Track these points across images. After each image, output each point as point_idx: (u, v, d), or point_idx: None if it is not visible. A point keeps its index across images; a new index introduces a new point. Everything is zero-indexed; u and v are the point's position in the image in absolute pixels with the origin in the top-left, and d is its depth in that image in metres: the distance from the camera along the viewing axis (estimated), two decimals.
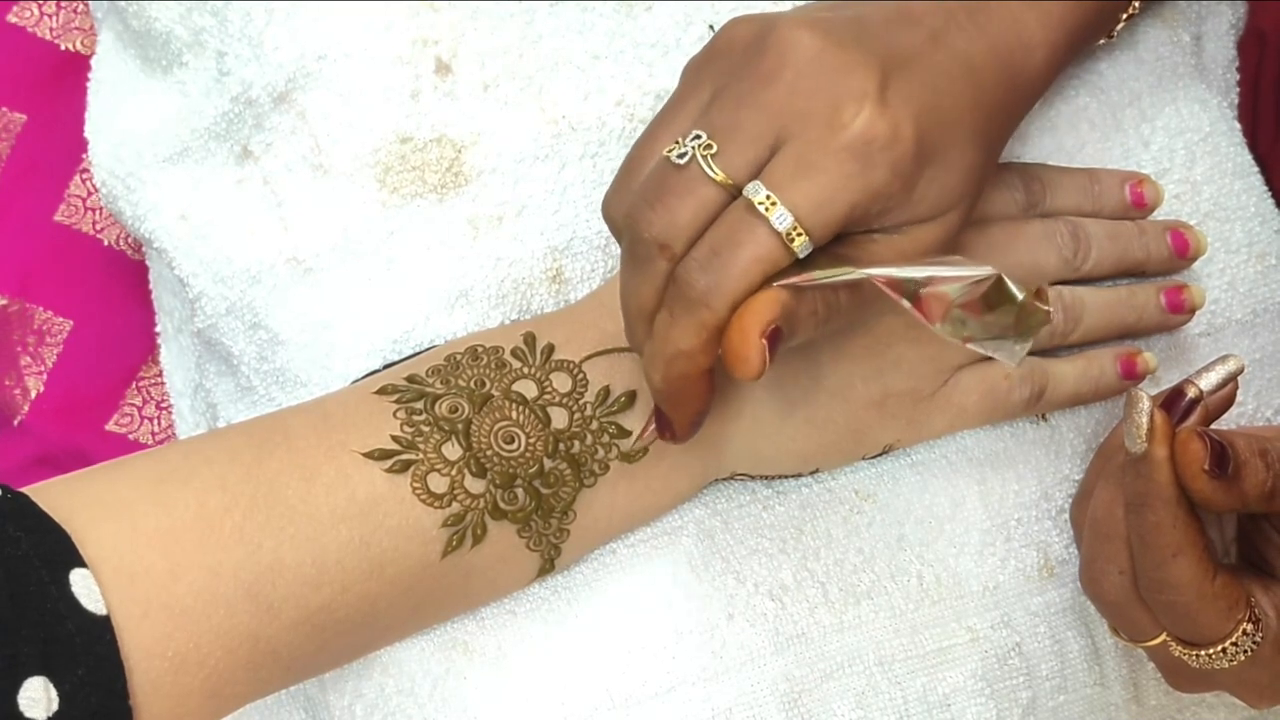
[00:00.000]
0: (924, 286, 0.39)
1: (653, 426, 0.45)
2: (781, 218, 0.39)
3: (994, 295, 0.39)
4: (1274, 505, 0.41)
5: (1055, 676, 0.49)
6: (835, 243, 0.41)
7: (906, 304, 0.39)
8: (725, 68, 0.42)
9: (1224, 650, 0.42)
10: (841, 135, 0.39)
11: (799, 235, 0.39)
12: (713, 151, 0.40)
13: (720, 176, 0.40)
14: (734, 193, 0.40)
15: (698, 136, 0.40)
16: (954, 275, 0.39)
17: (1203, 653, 0.42)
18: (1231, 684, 0.44)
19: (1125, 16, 0.50)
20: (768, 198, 0.39)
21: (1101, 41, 0.51)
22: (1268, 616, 0.42)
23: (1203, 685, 0.45)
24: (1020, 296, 0.39)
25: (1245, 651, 0.42)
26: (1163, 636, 0.44)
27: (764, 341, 0.39)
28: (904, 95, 0.40)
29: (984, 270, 0.39)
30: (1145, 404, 0.41)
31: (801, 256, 0.40)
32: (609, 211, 0.43)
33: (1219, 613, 0.42)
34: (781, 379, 0.47)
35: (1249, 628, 0.42)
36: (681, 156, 0.40)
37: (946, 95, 0.41)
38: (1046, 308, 0.39)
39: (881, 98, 0.40)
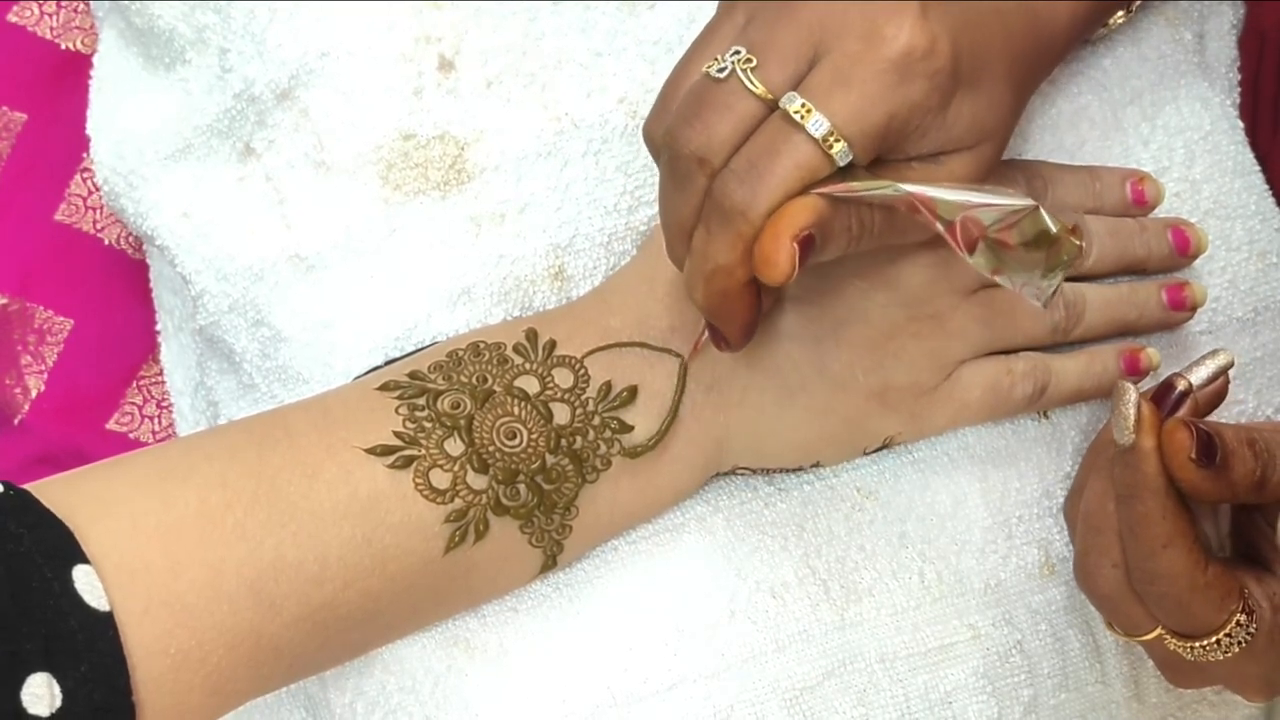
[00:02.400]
0: (959, 210, 0.39)
1: (705, 337, 0.45)
2: (818, 124, 0.39)
3: (1028, 227, 0.39)
4: (1264, 495, 0.41)
5: (1057, 674, 0.49)
6: (872, 167, 0.42)
7: (939, 227, 0.39)
8: None
9: (1218, 642, 0.42)
10: (881, 48, 0.40)
11: (836, 141, 0.40)
12: (752, 65, 0.40)
13: (759, 90, 0.40)
14: (772, 107, 0.40)
15: (737, 52, 0.41)
16: (991, 203, 0.39)
17: (1197, 644, 0.42)
18: (1228, 678, 0.44)
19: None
20: (803, 105, 0.40)
21: (1120, 16, 0.51)
22: (1261, 608, 0.42)
23: (1200, 680, 0.45)
24: (1054, 229, 0.39)
25: (1239, 643, 0.42)
26: (1158, 630, 0.44)
27: (795, 246, 0.39)
28: (939, 15, 0.41)
29: (1022, 201, 0.39)
30: (1132, 395, 0.41)
31: (841, 164, 0.40)
32: (649, 133, 0.43)
33: (1212, 604, 0.42)
34: (779, 366, 0.47)
35: (1242, 619, 0.42)
36: (721, 71, 0.41)
37: (978, 28, 0.42)
38: (1079, 242, 0.39)
39: (920, 13, 0.40)
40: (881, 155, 0.42)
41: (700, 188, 0.41)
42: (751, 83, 0.40)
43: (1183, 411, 0.42)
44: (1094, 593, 0.45)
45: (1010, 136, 0.45)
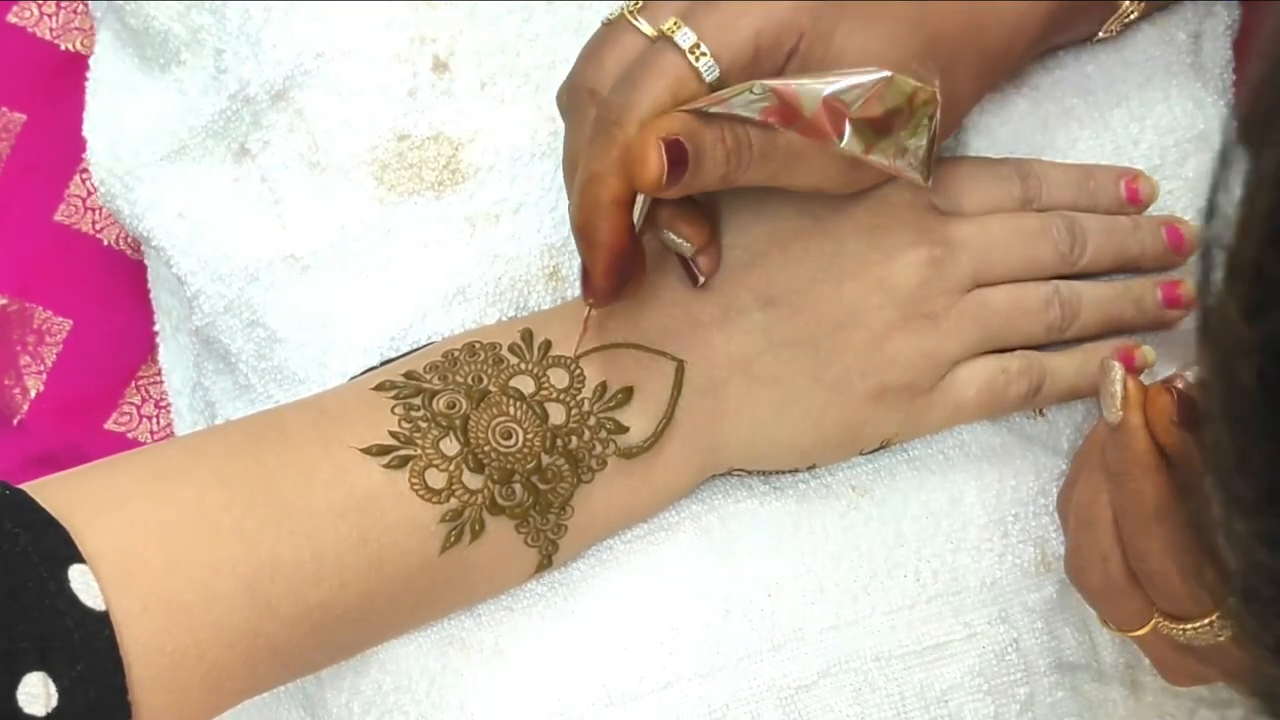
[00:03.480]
0: (819, 96, 0.41)
1: (591, 313, 0.46)
2: (685, 36, 0.42)
3: (890, 96, 0.41)
4: None
5: (1053, 672, 0.49)
6: None
7: (806, 112, 0.41)
8: None
9: (1210, 624, 0.42)
10: None
11: (703, 54, 0.42)
12: (638, 7, 0.44)
13: (645, 28, 0.43)
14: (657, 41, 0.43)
15: (626, 4, 0.44)
16: (850, 83, 0.41)
17: (1189, 627, 0.42)
18: (1223, 671, 0.44)
19: (1130, 19, 0.51)
20: (674, 23, 0.42)
21: (1101, 35, 0.51)
22: None
23: (1195, 677, 0.45)
24: (910, 84, 0.41)
25: (1231, 627, 0.42)
26: (1151, 624, 0.43)
27: (661, 145, 0.41)
28: None
29: (876, 73, 0.41)
30: (1118, 373, 0.41)
31: (708, 78, 0.42)
32: (561, 91, 0.45)
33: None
34: (777, 374, 0.47)
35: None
36: (610, 16, 0.44)
37: None
38: (934, 83, 0.41)
39: None
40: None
41: (591, 118, 0.43)
42: (636, 21, 0.43)
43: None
44: (1086, 588, 0.45)
45: (945, 103, 0.45)
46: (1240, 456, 0.27)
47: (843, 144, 0.41)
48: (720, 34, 0.42)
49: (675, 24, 0.42)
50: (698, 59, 0.42)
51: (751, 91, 0.41)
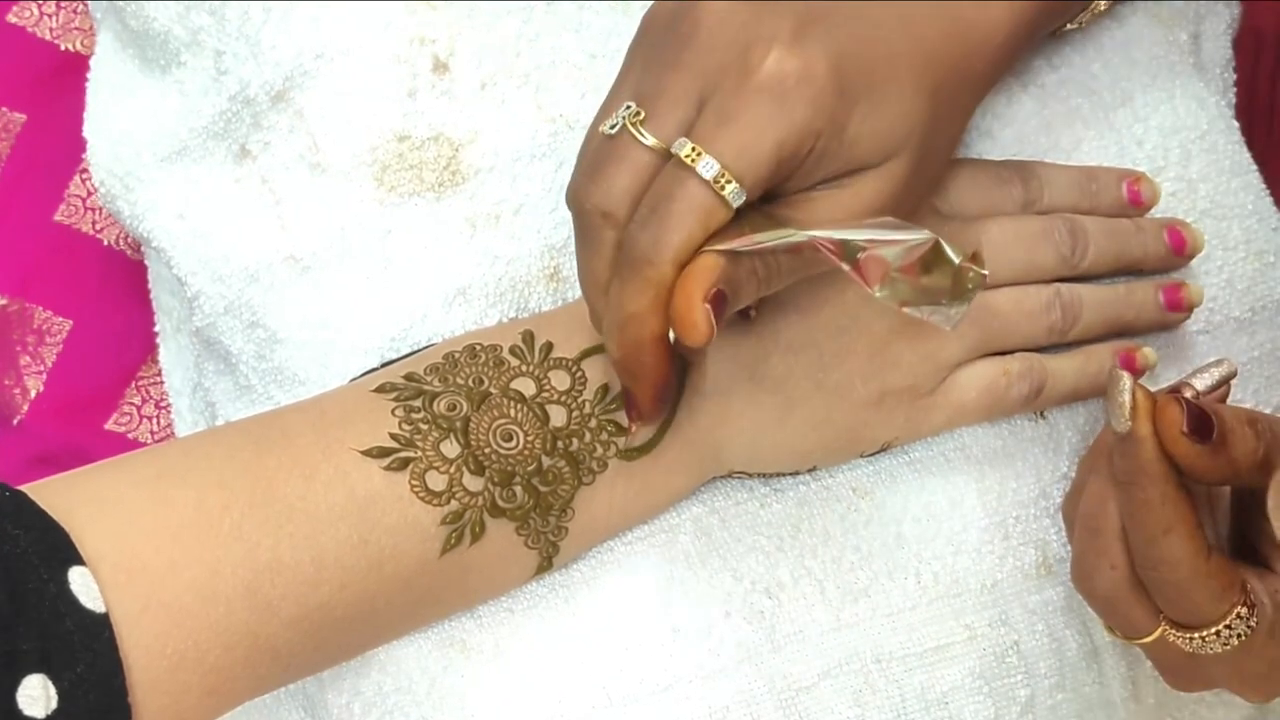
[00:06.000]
0: (863, 250, 0.39)
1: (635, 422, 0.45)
2: (708, 166, 0.40)
3: (932, 259, 0.40)
4: (1267, 477, 0.41)
5: (1053, 674, 0.49)
6: (777, 204, 0.42)
7: (846, 267, 0.40)
8: (650, 42, 0.43)
9: (1218, 633, 0.42)
10: (753, 78, 0.40)
11: (728, 181, 0.40)
12: (641, 118, 0.41)
13: (651, 141, 0.41)
14: (666, 156, 0.41)
15: (628, 107, 0.41)
16: (894, 239, 0.40)
17: (1196, 635, 0.42)
18: (1227, 677, 0.44)
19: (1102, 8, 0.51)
20: (693, 149, 0.40)
21: (1071, 26, 0.51)
22: (1263, 603, 0.42)
23: (1200, 683, 0.45)
24: (956, 260, 0.39)
25: (1239, 636, 0.42)
26: (1158, 632, 0.43)
27: (708, 306, 0.39)
28: (818, 36, 0.41)
29: (921, 234, 0.40)
30: (1127, 382, 0.41)
31: (735, 205, 0.40)
32: (567, 198, 0.43)
33: (1213, 593, 0.41)
34: (780, 379, 0.47)
35: (1243, 611, 0.42)
36: (613, 127, 0.41)
37: (873, 41, 0.42)
38: (983, 271, 0.40)
39: (791, 38, 0.40)
40: (782, 189, 0.42)
41: (609, 241, 0.41)
42: (642, 135, 0.41)
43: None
44: (1091, 594, 0.45)
45: (945, 145, 0.45)
46: None
47: (879, 294, 0.40)
48: (742, 157, 0.40)
49: (695, 152, 0.40)
50: (723, 188, 0.40)
51: (790, 237, 0.40)
